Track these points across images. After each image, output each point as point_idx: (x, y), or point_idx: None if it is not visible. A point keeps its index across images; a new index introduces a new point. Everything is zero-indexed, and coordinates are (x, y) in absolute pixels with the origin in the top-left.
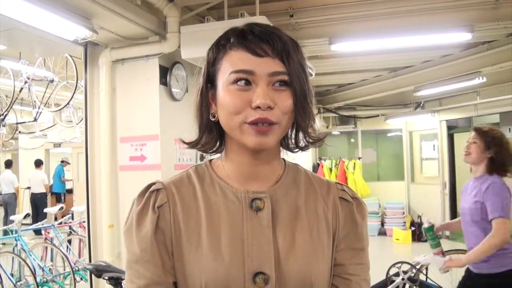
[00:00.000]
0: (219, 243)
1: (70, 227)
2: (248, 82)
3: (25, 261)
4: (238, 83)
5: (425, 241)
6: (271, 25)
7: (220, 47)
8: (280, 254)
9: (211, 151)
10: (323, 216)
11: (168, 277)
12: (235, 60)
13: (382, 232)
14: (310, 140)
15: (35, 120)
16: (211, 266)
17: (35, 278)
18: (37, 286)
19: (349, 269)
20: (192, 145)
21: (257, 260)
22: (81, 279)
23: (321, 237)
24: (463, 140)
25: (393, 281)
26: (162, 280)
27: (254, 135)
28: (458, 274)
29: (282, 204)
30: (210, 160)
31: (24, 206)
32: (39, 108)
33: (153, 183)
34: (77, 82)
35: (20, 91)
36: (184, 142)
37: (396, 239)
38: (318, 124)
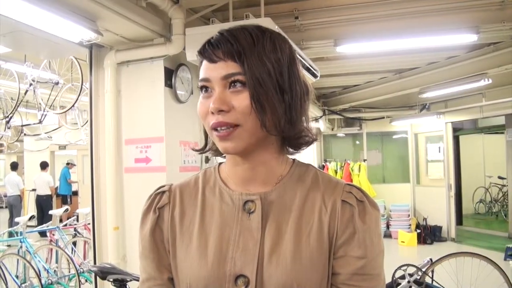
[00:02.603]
0: (207, 243)
1: (75, 229)
2: (209, 90)
3: (30, 263)
4: (203, 91)
5: (431, 243)
6: (255, 25)
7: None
8: (264, 258)
9: (221, 155)
10: (319, 219)
11: (163, 273)
12: (201, 70)
13: (387, 235)
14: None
15: (40, 122)
16: (196, 266)
17: (40, 280)
18: None
19: (346, 278)
20: (200, 151)
21: (239, 262)
22: (86, 281)
23: (313, 243)
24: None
25: (399, 284)
26: (157, 276)
27: (219, 141)
28: (464, 276)
29: (276, 206)
30: (220, 163)
31: (29, 208)
32: (44, 111)
33: (162, 186)
34: (82, 84)
35: (25, 93)
36: (194, 150)
37: (402, 242)
38: (323, 126)
